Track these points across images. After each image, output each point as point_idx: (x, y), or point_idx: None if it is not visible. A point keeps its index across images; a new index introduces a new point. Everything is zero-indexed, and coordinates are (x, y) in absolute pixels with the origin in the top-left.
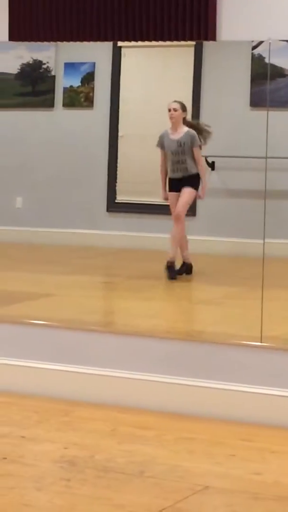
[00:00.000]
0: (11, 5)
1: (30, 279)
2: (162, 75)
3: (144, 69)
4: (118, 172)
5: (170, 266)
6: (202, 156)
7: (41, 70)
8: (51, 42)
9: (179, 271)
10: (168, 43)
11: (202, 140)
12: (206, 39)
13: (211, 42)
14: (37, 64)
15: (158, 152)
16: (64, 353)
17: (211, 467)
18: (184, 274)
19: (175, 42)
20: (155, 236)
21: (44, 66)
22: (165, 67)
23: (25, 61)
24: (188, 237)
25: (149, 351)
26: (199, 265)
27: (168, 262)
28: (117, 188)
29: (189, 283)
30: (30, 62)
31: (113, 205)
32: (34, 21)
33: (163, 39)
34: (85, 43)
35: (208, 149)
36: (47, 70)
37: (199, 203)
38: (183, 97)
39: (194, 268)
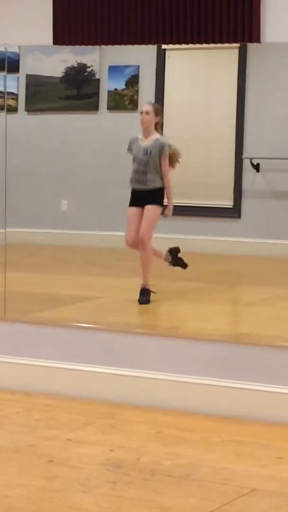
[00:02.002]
0: (55, 9)
1: (76, 282)
2: (207, 78)
3: (189, 72)
4: None
5: (145, 289)
6: (247, 157)
7: (85, 74)
8: (95, 46)
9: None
10: (212, 45)
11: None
12: (251, 41)
13: (255, 44)
14: (82, 67)
15: (203, 154)
16: (110, 356)
17: (257, 470)
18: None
19: (219, 44)
20: (201, 239)
21: (89, 70)
22: (209, 69)
23: (69, 65)
24: (233, 239)
25: (195, 354)
26: (245, 267)
27: (143, 286)
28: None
29: (235, 286)
30: (75, 66)
31: None
32: (78, 25)
33: (207, 41)
34: (129, 46)
35: (253, 151)
36: (92, 73)
37: (244, 205)
38: (228, 99)
39: (240, 271)
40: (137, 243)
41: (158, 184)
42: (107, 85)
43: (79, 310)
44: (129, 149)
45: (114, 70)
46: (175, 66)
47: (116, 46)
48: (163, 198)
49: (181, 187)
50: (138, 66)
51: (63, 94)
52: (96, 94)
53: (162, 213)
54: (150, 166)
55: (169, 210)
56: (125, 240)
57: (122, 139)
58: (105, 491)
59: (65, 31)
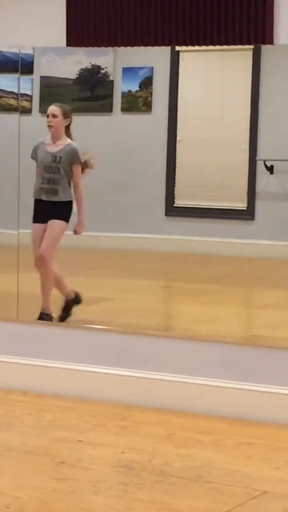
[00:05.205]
0: (69, 10)
1: (89, 284)
2: (221, 79)
3: (203, 73)
4: (176, 177)
5: (44, 314)
6: (261, 159)
7: (99, 75)
8: (109, 47)
9: (64, 314)
10: (226, 47)
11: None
12: (264, 42)
13: (269, 45)
14: (96, 69)
15: (217, 156)
16: (122, 357)
17: (269, 472)
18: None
19: (233, 46)
20: (214, 241)
21: (103, 71)
22: (223, 71)
23: (83, 66)
24: (246, 241)
25: (207, 356)
26: (258, 270)
27: (42, 311)
28: (175, 192)
29: (249, 288)
30: (89, 67)
31: (172, 209)
32: (92, 27)
33: (221, 43)
34: (143, 48)
35: (267, 153)
36: (106, 75)
37: (258, 206)
38: (242, 101)
39: (253, 273)
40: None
41: (68, 197)
42: (121, 86)
43: (91, 311)
44: (33, 156)
45: (128, 71)
46: (189, 67)
47: (129, 48)
48: (70, 212)
49: (195, 189)
50: (152, 67)
51: (76, 96)
52: (110, 95)
53: (74, 231)
54: (60, 174)
55: (81, 226)
56: (34, 262)
57: (136, 141)
58: (116, 492)
59: (79, 33)
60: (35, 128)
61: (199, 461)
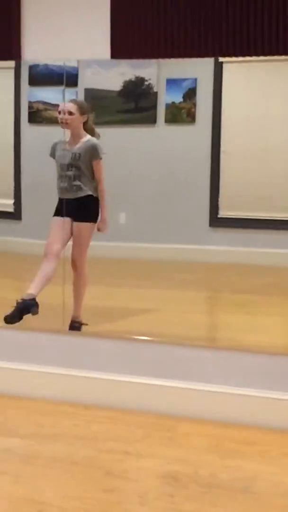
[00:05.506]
0: (113, 22)
1: (134, 295)
2: (265, 90)
3: (246, 84)
4: (221, 187)
5: (76, 323)
6: None
7: (143, 87)
8: (153, 59)
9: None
10: (269, 57)
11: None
12: None
13: None
14: (140, 81)
15: (263, 166)
16: (167, 368)
17: None
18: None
19: (276, 57)
20: (259, 251)
21: (147, 83)
22: (267, 82)
23: (127, 78)
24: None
25: (252, 367)
26: None
27: (73, 319)
28: (219, 203)
29: None
30: (133, 79)
31: (216, 220)
32: (136, 39)
33: (264, 53)
34: (187, 59)
35: None
36: (149, 86)
37: None
38: (287, 111)
39: None
40: (56, 255)
41: (89, 192)
42: (165, 98)
43: (136, 322)
44: (52, 154)
45: (171, 83)
46: (233, 78)
47: (173, 60)
48: (96, 209)
49: (239, 199)
50: (196, 79)
51: (121, 108)
52: (154, 107)
53: (98, 229)
54: (81, 171)
55: (104, 224)
56: (44, 250)
57: (179, 152)
58: (163, 504)
59: (123, 45)
60: None
61: (245, 472)
